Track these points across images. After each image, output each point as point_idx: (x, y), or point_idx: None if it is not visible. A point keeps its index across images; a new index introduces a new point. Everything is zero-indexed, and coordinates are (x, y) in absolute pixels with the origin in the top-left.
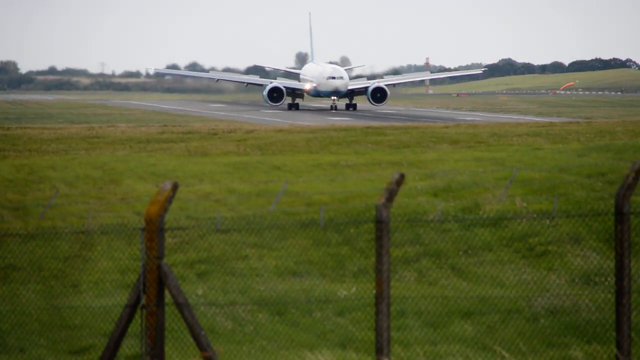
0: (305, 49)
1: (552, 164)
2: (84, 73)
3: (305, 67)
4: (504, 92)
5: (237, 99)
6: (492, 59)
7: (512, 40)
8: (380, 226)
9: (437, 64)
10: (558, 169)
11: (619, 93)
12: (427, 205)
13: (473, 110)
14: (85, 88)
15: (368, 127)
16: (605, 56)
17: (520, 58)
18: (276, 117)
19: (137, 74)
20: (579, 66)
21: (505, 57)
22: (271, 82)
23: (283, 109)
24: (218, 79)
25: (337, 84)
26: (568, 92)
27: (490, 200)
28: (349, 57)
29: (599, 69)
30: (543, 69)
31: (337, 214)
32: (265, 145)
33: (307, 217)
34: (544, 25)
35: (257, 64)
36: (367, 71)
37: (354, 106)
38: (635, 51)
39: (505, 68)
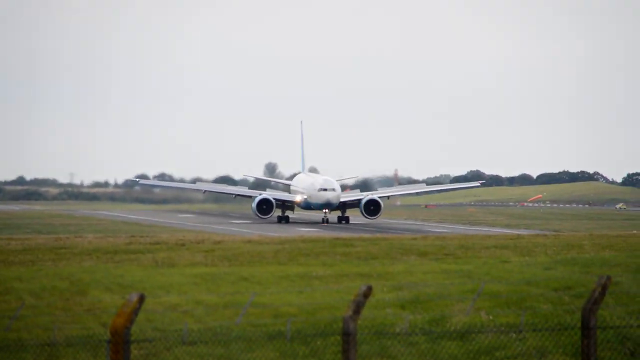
0: (274, 159)
1: (519, 277)
2: (52, 183)
3: (296, 177)
4: (472, 203)
5: (205, 209)
6: (461, 170)
7: (480, 152)
8: (347, 339)
9: (406, 175)
10: (525, 282)
11: (587, 206)
12: (395, 317)
13: (441, 222)
14: (54, 198)
15: (336, 239)
16: (573, 169)
17: (488, 170)
18: (245, 228)
19: (105, 184)
20: (546, 179)
21: (474, 168)
22: (260, 194)
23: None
24: (205, 190)
25: (328, 196)
26: (536, 205)
27: (457, 312)
28: (317, 166)
29: (567, 181)
30: (511, 181)
31: (304, 325)
32: (233, 256)
33: (274, 328)
34: (512, 137)
35: (225, 174)
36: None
37: (347, 219)
38: (602, 164)
39: (474, 179)
